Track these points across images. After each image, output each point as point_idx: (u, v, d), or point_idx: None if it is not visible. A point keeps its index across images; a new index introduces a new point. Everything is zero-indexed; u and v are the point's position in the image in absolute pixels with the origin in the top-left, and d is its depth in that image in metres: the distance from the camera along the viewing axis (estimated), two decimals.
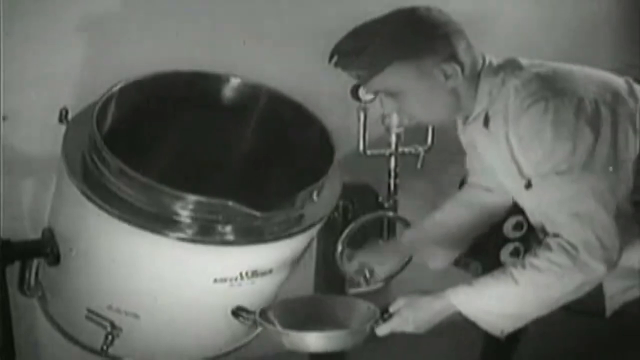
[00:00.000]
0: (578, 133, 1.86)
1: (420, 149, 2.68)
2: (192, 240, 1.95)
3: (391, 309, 1.97)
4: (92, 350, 2.17)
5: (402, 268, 2.54)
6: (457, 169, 2.50)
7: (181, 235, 1.94)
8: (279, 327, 1.99)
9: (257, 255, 2.04)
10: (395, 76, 1.94)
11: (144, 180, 1.93)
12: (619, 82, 1.98)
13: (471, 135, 2.11)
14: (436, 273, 2.41)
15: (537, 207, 1.98)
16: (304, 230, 2.07)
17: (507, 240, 2.58)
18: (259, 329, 2.16)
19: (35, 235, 2.18)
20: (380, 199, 2.69)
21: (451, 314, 1.95)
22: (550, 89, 1.90)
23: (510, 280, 1.90)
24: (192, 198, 1.94)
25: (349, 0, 2.71)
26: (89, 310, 2.09)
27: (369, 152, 2.68)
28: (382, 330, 1.96)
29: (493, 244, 2.52)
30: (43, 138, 2.40)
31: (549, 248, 1.90)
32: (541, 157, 1.89)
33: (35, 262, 2.20)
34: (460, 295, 1.94)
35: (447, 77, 1.94)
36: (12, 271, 2.19)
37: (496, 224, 2.40)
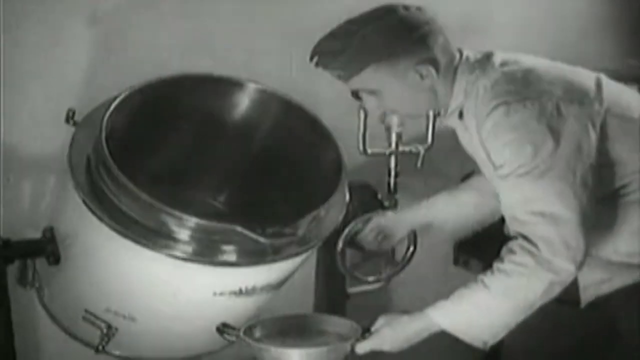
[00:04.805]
0: (539, 136, 1.88)
1: (421, 148, 2.68)
2: (192, 260, 1.95)
3: (372, 328, 2.01)
4: (87, 345, 2.17)
5: (405, 264, 2.55)
6: (457, 168, 2.50)
7: (180, 254, 1.94)
8: (262, 344, 2.00)
9: (258, 273, 2.05)
10: (372, 78, 1.99)
11: (147, 199, 1.92)
12: (589, 82, 2.00)
13: (451, 128, 2.15)
14: (435, 274, 2.41)
15: (503, 202, 1.99)
16: (305, 251, 2.08)
17: (507, 238, 2.58)
18: None
19: (35, 235, 2.17)
20: (380, 197, 2.69)
21: (429, 334, 1.98)
22: (513, 92, 1.92)
23: (481, 287, 1.93)
24: (195, 221, 1.93)
25: None
26: (87, 311, 2.09)
27: (369, 151, 2.68)
28: (361, 347, 1.99)
29: (493, 242, 2.52)
30: (43, 138, 2.40)
31: (511, 251, 1.94)
32: (503, 160, 1.91)
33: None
34: (439, 311, 1.96)
35: (422, 77, 1.99)
36: (12, 271, 2.20)
37: (496, 222, 2.40)
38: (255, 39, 2.67)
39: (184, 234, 1.95)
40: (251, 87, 2.27)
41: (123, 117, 2.12)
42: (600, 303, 2.10)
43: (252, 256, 1.99)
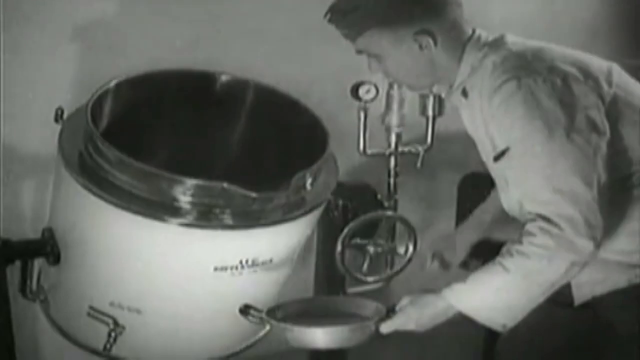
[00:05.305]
0: (550, 112, 1.87)
1: (420, 149, 2.68)
2: (191, 225, 1.95)
3: (397, 307, 1.97)
4: (95, 352, 2.17)
5: (405, 264, 2.55)
6: (457, 168, 2.50)
7: (180, 220, 1.94)
8: (285, 323, 1.99)
9: (257, 241, 2.04)
10: (373, 41, 2.02)
11: (141, 167, 1.94)
12: (600, 67, 2.01)
13: (455, 105, 2.14)
14: (435, 272, 2.41)
15: (520, 183, 1.96)
16: (301, 215, 2.07)
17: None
18: (264, 330, 2.19)
19: (35, 235, 2.17)
20: (380, 198, 2.70)
21: (453, 315, 1.94)
22: (523, 67, 1.93)
23: (500, 270, 1.90)
24: (189, 182, 1.95)
25: None
26: (91, 308, 2.09)
27: (369, 151, 2.68)
28: (386, 327, 1.96)
29: (493, 243, 2.52)
30: (43, 138, 2.40)
31: (530, 233, 1.89)
32: (515, 136, 1.90)
33: (36, 264, 2.19)
34: (456, 293, 1.93)
35: (421, 47, 2.01)
36: (13, 272, 2.20)
37: None
38: (255, 39, 2.67)
39: (179, 199, 1.95)
40: (224, 78, 2.32)
41: (111, 112, 2.16)
42: (595, 304, 2.09)
43: (249, 220, 1.98)
